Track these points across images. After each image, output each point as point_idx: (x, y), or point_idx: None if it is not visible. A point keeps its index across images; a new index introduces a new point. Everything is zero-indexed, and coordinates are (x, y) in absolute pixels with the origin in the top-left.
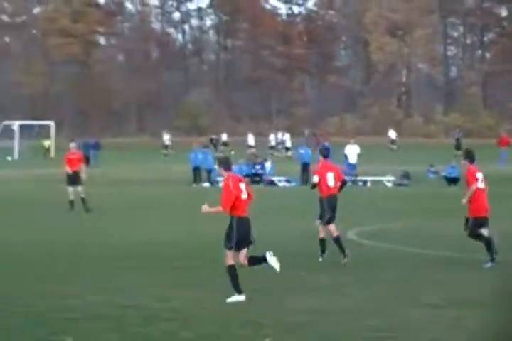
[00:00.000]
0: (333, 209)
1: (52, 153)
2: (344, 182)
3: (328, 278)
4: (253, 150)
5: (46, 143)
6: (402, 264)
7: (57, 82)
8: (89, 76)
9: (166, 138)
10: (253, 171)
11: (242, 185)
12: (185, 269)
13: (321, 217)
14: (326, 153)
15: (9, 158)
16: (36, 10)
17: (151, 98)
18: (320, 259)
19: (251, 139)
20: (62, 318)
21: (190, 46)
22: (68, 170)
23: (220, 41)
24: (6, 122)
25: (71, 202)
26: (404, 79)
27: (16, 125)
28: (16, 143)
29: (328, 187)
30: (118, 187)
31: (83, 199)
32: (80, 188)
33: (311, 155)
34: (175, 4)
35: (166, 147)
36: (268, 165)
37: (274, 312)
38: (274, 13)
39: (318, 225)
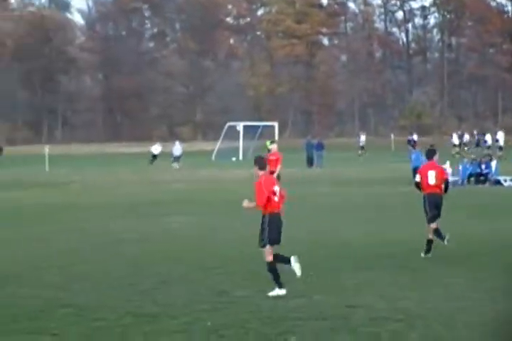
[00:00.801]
0: (435, 207)
1: None
2: (447, 182)
3: None
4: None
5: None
6: None
7: (281, 83)
8: (313, 76)
9: (362, 139)
10: (478, 170)
11: (277, 188)
12: (411, 269)
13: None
14: (430, 155)
15: (234, 159)
16: (260, 12)
17: (374, 98)
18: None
19: (455, 138)
20: (288, 318)
21: (413, 45)
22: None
23: (443, 39)
24: (231, 123)
25: None
26: None
27: (240, 126)
28: (240, 144)
29: (428, 185)
30: (342, 187)
31: None
32: None
33: None
34: (398, 3)
35: (361, 148)
36: (493, 164)
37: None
38: (500, 10)
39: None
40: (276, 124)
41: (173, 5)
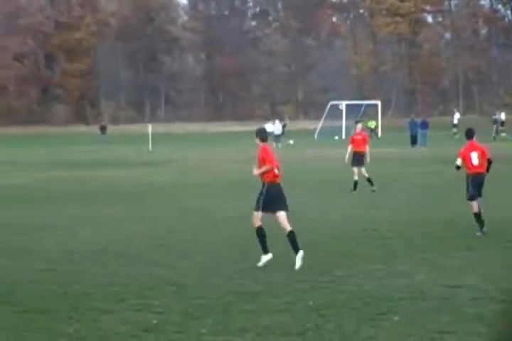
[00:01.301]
0: (476, 187)
1: (379, 133)
2: (490, 161)
3: None
4: None
5: (372, 122)
6: None
7: (384, 62)
8: (417, 55)
9: (456, 117)
10: None
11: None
12: None
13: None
14: (469, 134)
15: (336, 138)
16: None
17: (479, 76)
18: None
19: None
20: (390, 297)
21: None
22: (353, 150)
23: None
24: (334, 102)
25: (355, 182)
26: None
27: (343, 105)
28: (343, 123)
29: (472, 165)
30: (445, 166)
31: (369, 179)
32: (363, 169)
33: None
34: None
35: (454, 126)
36: None
37: None
38: None
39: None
40: (379, 103)
41: None
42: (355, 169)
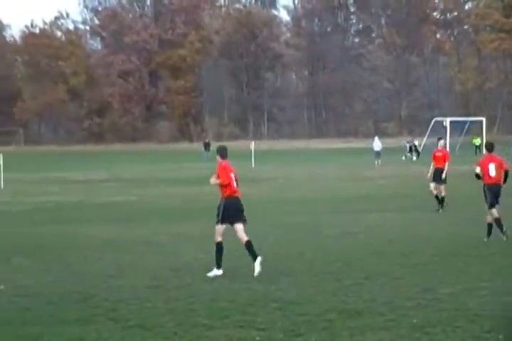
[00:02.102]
0: (494, 196)
1: (484, 150)
2: (506, 173)
3: None
4: None
5: (477, 140)
6: None
7: (490, 78)
8: None
9: None
10: None
11: (232, 175)
12: None
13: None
14: (490, 148)
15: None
16: (468, 5)
17: None
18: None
19: None
20: (494, 316)
21: None
22: (434, 166)
23: None
24: (438, 118)
25: (436, 197)
26: None
27: (447, 121)
28: (447, 140)
29: (489, 176)
30: None
31: (442, 199)
32: (442, 187)
33: None
34: None
35: None
36: None
37: None
38: None
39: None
40: (483, 120)
41: (378, 0)
42: (432, 184)
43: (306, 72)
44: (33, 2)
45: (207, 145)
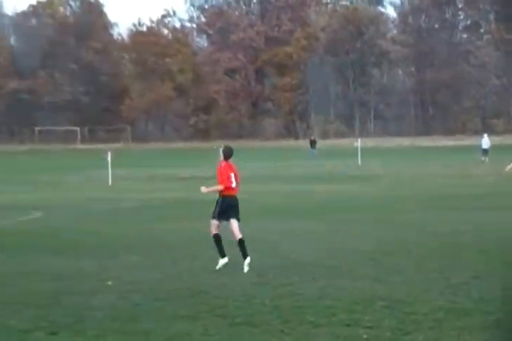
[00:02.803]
0: None
1: None
2: None
3: None
4: None
5: None
6: None
7: None
8: None
9: None
10: None
11: (232, 175)
12: None
13: None
14: None
15: None
16: None
17: None
18: None
19: None
20: None
21: None
22: None
23: None
24: None
25: None
26: None
27: None
28: None
29: None
30: None
31: None
32: None
33: None
34: None
35: None
36: None
37: None
38: None
39: None
40: None
41: None
42: None
43: (412, 69)
44: (141, 1)
45: (313, 143)
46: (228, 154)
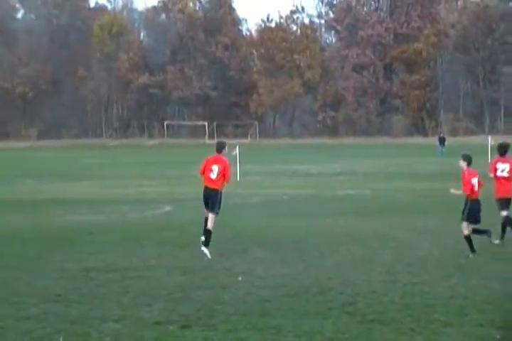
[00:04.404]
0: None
1: None
2: None
3: None
4: None
5: None
6: None
7: None
8: None
9: None
10: None
11: (216, 167)
12: None
13: None
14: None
15: None
16: None
17: None
18: None
19: None
20: None
21: None
22: None
23: None
24: None
25: None
26: None
27: None
28: None
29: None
30: None
31: None
32: None
33: None
34: None
35: None
36: None
37: None
38: None
39: None
40: None
41: None
42: None
43: None
44: None
45: (442, 140)
46: (217, 148)
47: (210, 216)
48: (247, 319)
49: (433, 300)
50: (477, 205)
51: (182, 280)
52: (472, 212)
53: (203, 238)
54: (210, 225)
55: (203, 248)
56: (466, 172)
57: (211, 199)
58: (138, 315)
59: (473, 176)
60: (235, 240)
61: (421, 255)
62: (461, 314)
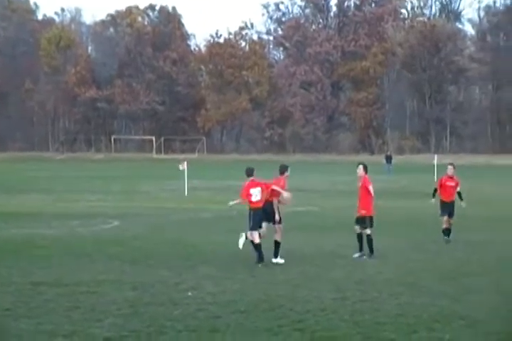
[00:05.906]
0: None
1: None
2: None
3: None
4: None
5: None
6: None
7: None
8: None
9: None
10: None
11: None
12: None
13: None
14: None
15: None
16: None
17: None
18: None
19: None
20: None
21: None
22: None
23: None
24: None
25: None
26: None
27: None
28: None
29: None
30: None
31: None
32: None
33: None
34: None
35: None
36: None
37: None
38: None
39: None
40: None
41: None
42: None
43: (490, 87)
44: (218, 13)
45: (389, 158)
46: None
47: (278, 227)
48: (197, 335)
49: (382, 318)
50: (259, 213)
51: (132, 296)
52: (255, 221)
53: (279, 261)
54: (258, 239)
55: (275, 259)
56: (245, 184)
57: (268, 210)
58: (88, 330)
59: (250, 187)
60: (186, 256)
61: (370, 273)
62: (410, 332)
